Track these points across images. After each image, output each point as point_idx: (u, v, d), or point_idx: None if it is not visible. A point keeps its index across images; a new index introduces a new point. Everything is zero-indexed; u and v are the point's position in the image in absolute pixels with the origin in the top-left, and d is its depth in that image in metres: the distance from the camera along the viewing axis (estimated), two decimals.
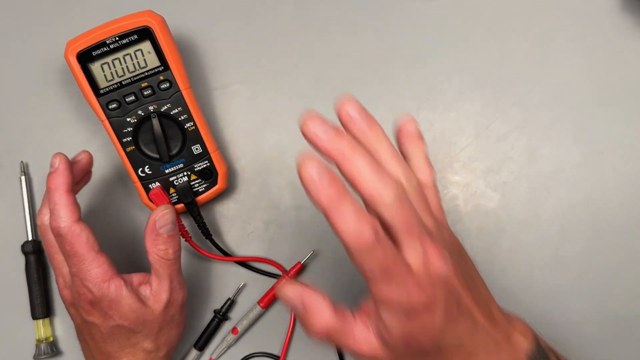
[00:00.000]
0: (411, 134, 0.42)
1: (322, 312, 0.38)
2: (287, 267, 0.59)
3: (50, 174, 0.49)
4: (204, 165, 0.56)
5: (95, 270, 0.49)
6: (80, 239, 0.48)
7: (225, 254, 0.59)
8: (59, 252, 0.51)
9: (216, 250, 0.59)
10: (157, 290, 0.51)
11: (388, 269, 0.34)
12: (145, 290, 0.51)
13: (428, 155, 0.43)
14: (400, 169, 0.38)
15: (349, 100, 0.38)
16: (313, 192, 0.33)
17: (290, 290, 0.39)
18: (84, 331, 0.53)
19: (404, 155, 0.42)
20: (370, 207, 0.35)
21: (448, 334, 0.37)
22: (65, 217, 0.48)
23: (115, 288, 0.49)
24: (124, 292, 0.50)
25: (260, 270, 0.59)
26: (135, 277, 0.52)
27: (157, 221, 0.50)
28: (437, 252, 0.36)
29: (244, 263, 0.60)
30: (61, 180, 0.48)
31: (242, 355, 0.59)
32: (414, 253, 0.35)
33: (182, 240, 0.59)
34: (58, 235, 0.48)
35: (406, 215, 0.35)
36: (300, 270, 0.58)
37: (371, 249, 0.33)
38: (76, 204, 0.49)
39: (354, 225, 0.33)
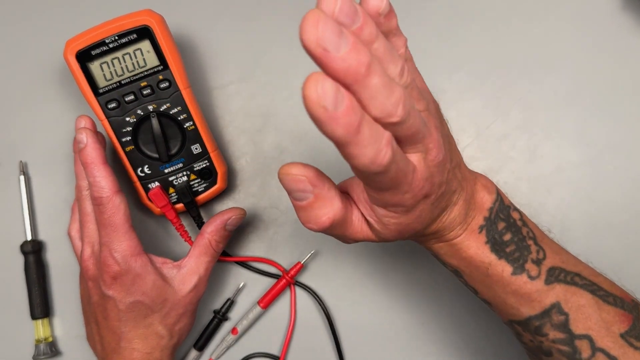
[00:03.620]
0: (382, 11, 0.35)
1: (332, 202, 0.36)
2: (287, 267, 0.59)
3: (82, 149, 0.50)
4: (204, 165, 0.56)
5: (126, 243, 0.50)
6: (119, 210, 0.50)
7: (225, 254, 0.59)
8: (93, 222, 0.52)
9: None
10: (189, 272, 0.53)
11: (398, 180, 0.33)
12: (171, 271, 0.52)
13: (397, 25, 0.37)
14: (393, 64, 0.33)
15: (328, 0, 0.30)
16: (327, 123, 0.28)
17: (299, 171, 0.35)
18: (98, 309, 0.52)
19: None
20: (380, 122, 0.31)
21: (434, 212, 0.38)
22: (107, 188, 0.49)
23: (141, 263, 0.50)
24: (150, 268, 0.51)
25: (260, 270, 0.59)
26: (160, 258, 0.53)
27: (230, 219, 0.54)
28: (435, 144, 0.35)
29: (243, 263, 0.59)
30: (95, 154, 0.50)
31: (242, 356, 0.59)
32: (416, 154, 0.35)
33: (182, 240, 0.59)
34: (99, 204, 0.50)
35: (413, 125, 0.33)
36: (300, 270, 0.58)
37: (389, 168, 0.31)
38: (113, 174, 0.50)
39: (370, 149, 0.30)
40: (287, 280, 0.58)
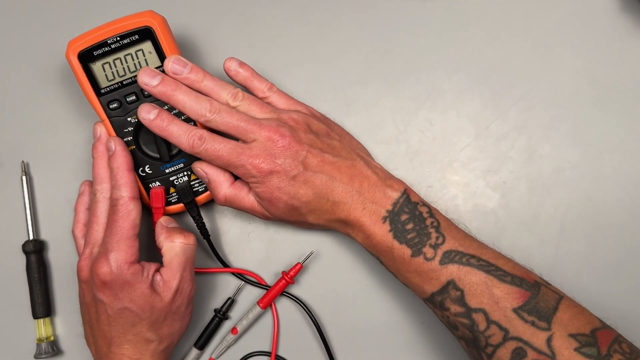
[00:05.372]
0: (232, 67, 0.56)
1: (223, 185, 0.54)
2: (286, 267, 0.59)
3: (111, 156, 0.53)
4: None
5: (125, 249, 0.51)
6: (130, 216, 0.52)
7: (220, 259, 0.58)
8: (99, 224, 0.53)
9: (208, 253, 0.59)
10: (167, 279, 0.52)
11: (224, 157, 0.51)
12: (157, 278, 0.52)
13: (255, 73, 0.56)
14: (224, 92, 0.53)
15: (168, 58, 0.53)
16: (150, 127, 0.52)
17: (200, 167, 0.54)
18: (91, 310, 0.53)
19: (242, 85, 0.56)
20: (203, 124, 0.53)
21: (302, 188, 0.51)
22: (125, 193, 0.52)
23: (133, 272, 0.51)
24: (140, 278, 0.51)
25: (251, 281, 0.59)
26: (154, 266, 0.53)
27: (162, 222, 0.55)
28: (269, 132, 0.51)
29: (235, 273, 0.60)
30: (122, 160, 0.53)
31: (242, 354, 0.59)
32: (251, 140, 0.51)
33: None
34: (114, 205, 0.52)
35: (227, 121, 0.51)
36: (299, 270, 0.58)
37: (202, 149, 0.51)
38: (135, 182, 0.53)
39: (183, 137, 0.51)
40: (287, 280, 0.58)
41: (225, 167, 0.52)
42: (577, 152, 0.59)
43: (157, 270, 0.53)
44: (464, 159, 0.60)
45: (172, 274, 0.52)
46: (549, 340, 0.46)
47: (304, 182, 0.51)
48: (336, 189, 0.51)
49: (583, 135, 0.59)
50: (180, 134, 0.51)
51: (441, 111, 0.60)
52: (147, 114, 0.52)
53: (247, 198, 0.54)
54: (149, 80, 0.52)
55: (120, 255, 0.51)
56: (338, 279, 0.60)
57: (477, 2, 0.61)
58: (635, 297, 0.58)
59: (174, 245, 0.53)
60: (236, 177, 0.54)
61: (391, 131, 0.60)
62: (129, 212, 0.52)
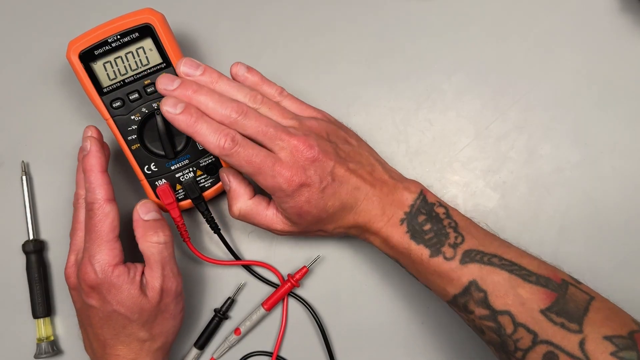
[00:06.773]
0: (240, 73, 0.53)
1: (242, 198, 0.52)
2: (286, 267, 0.59)
3: (84, 156, 0.52)
4: (209, 161, 0.56)
5: (106, 252, 0.50)
6: (107, 219, 0.51)
7: (232, 251, 0.59)
8: (82, 230, 0.53)
9: (213, 251, 0.59)
10: (149, 279, 0.52)
11: (255, 164, 0.47)
12: (143, 279, 0.52)
13: (264, 77, 0.54)
14: (241, 94, 0.50)
15: (180, 61, 0.50)
16: (174, 123, 0.47)
17: (226, 174, 0.53)
18: (83, 315, 0.53)
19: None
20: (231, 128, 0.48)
21: (330, 200, 0.49)
22: (99, 195, 0.51)
23: (118, 274, 0.50)
24: (126, 279, 0.51)
25: (260, 276, 0.60)
26: (140, 266, 0.53)
27: (139, 210, 0.53)
28: (299, 142, 0.48)
29: (245, 266, 0.59)
30: (94, 162, 0.51)
31: (242, 354, 0.59)
32: (279, 149, 0.48)
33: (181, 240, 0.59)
34: (90, 210, 0.51)
35: (255, 125, 0.48)
36: (305, 274, 0.58)
37: (234, 152, 0.47)
38: (110, 184, 0.52)
39: (212, 137, 0.47)
40: (292, 284, 0.58)
41: (252, 175, 0.48)
42: (577, 152, 0.59)
43: (144, 271, 0.53)
44: (464, 159, 0.60)
45: (153, 274, 0.52)
46: (581, 344, 0.44)
47: (332, 193, 0.49)
48: (359, 197, 0.50)
49: (583, 135, 0.59)
50: (209, 133, 0.47)
51: (441, 111, 0.60)
52: (173, 107, 0.47)
53: (264, 214, 0.52)
54: (167, 84, 0.48)
55: (104, 259, 0.50)
56: (340, 281, 0.60)
57: (477, 2, 0.61)
58: (635, 297, 0.58)
59: (150, 246, 0.52)
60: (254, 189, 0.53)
61: (391, 131, 0.61)
62: (106, 215, 0.51)
